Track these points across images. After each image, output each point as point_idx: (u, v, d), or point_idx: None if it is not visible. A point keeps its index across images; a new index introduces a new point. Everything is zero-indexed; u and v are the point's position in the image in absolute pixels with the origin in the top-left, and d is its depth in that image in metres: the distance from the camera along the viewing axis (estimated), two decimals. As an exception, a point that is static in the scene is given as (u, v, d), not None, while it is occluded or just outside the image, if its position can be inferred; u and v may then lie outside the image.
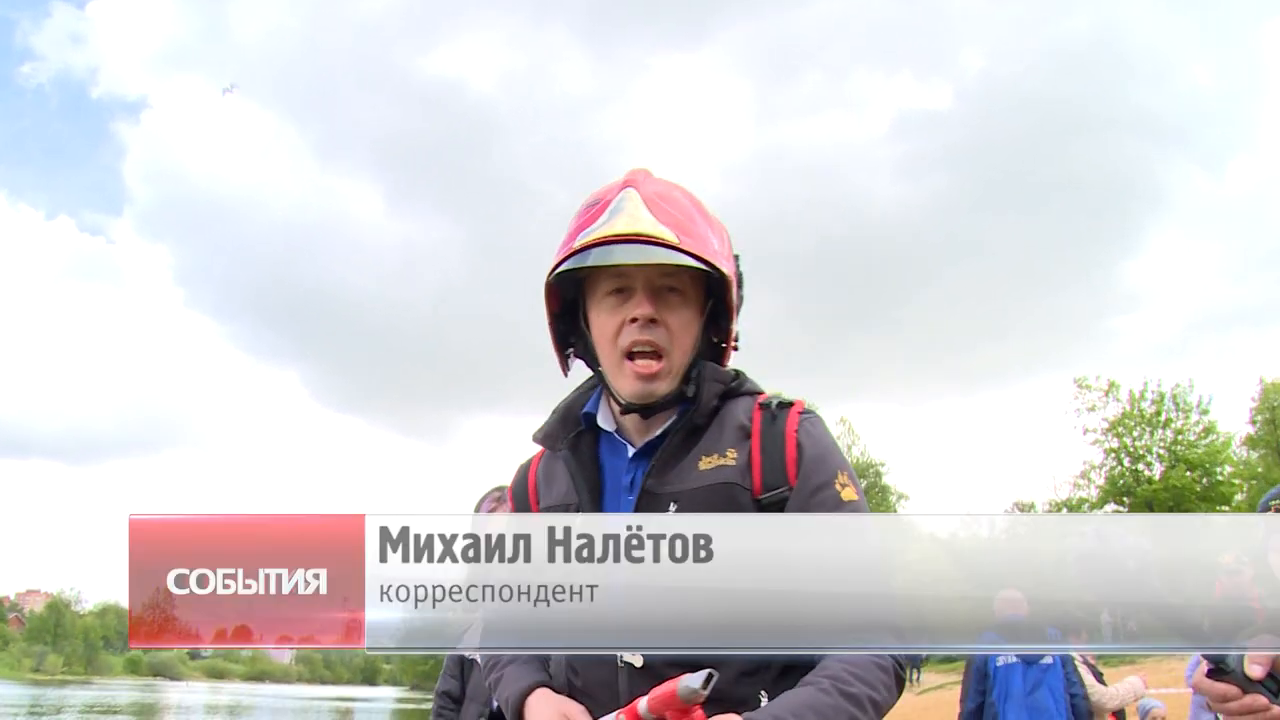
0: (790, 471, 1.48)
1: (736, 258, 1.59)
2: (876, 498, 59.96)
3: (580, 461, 1.57)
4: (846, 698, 1.32)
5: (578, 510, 1.52)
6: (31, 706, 35.71)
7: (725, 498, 1.46)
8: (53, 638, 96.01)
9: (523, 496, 1.67)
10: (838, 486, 1.48)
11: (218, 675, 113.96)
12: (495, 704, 1.53)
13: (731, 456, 1.50)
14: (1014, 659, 5.75)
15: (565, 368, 1.65)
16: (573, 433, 1.61)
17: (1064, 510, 43.98)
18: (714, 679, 1.24)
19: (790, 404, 1.54)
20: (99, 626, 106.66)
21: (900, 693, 1.40)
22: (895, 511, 59.95)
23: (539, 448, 1.67)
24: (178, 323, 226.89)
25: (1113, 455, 43.21)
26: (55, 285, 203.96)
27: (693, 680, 1.26)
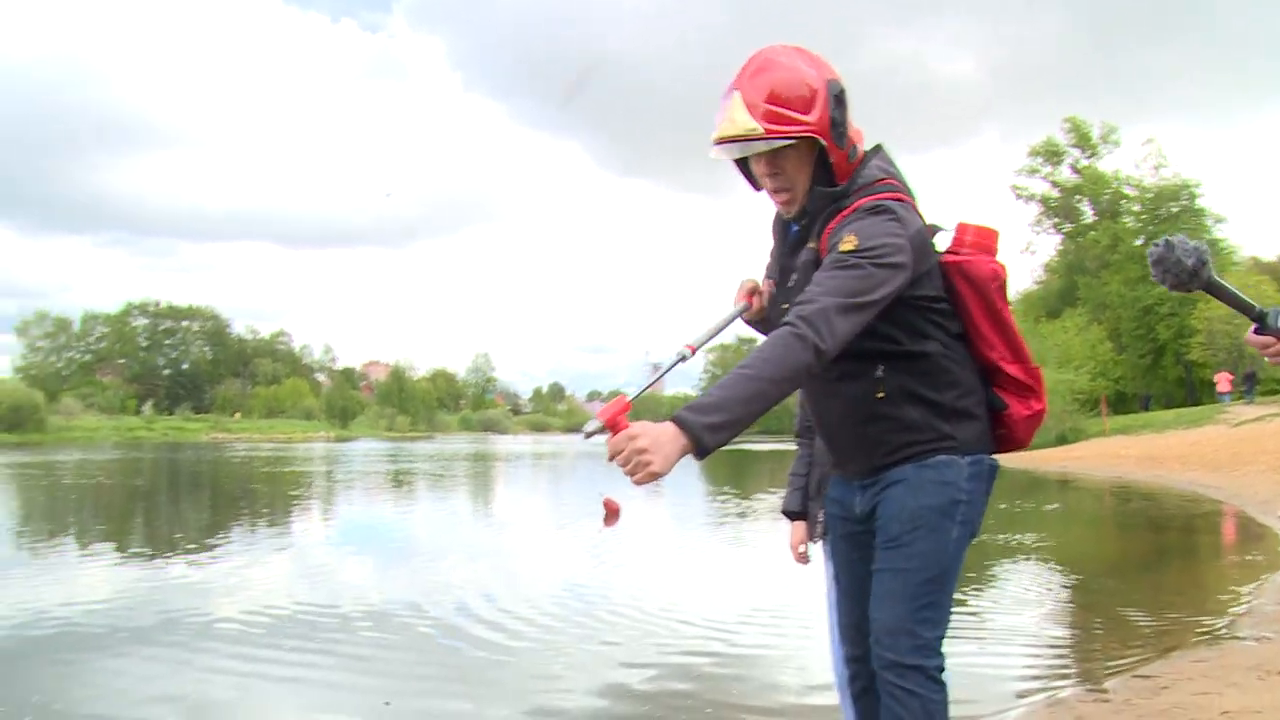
0: (824, 253, 2.21)
1: (836, 86, 2.22)
2: (1190, 222, 54.98)
3: (782, 231, 2.45)
4: (746, 365, 1.98)
5: (778, 257, 2.46)
6: (394, 455, 41.17)
7: (811, 272, 2.19)
8: (398, 400, 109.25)
9: (772, 232, 2.51)
10: (841, 246, 2.13)
11: (540, 429, 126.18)
12: None
13: (814, 245, 2.28)
14: None
15: (756, 188, 2.39)
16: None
17: None
18: (596, 429, 1.91)
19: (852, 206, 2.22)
20: (432, 390, 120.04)
21: (812, 355, 1.98)
22: (1209, 235, 55.14)
23: None
24: (461, 106, 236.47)
25: None
26: (353, 86, 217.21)
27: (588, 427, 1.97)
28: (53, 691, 5.07)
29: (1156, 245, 1.86)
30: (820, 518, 3.33)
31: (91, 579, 8.85)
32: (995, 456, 2.39)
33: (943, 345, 2.30)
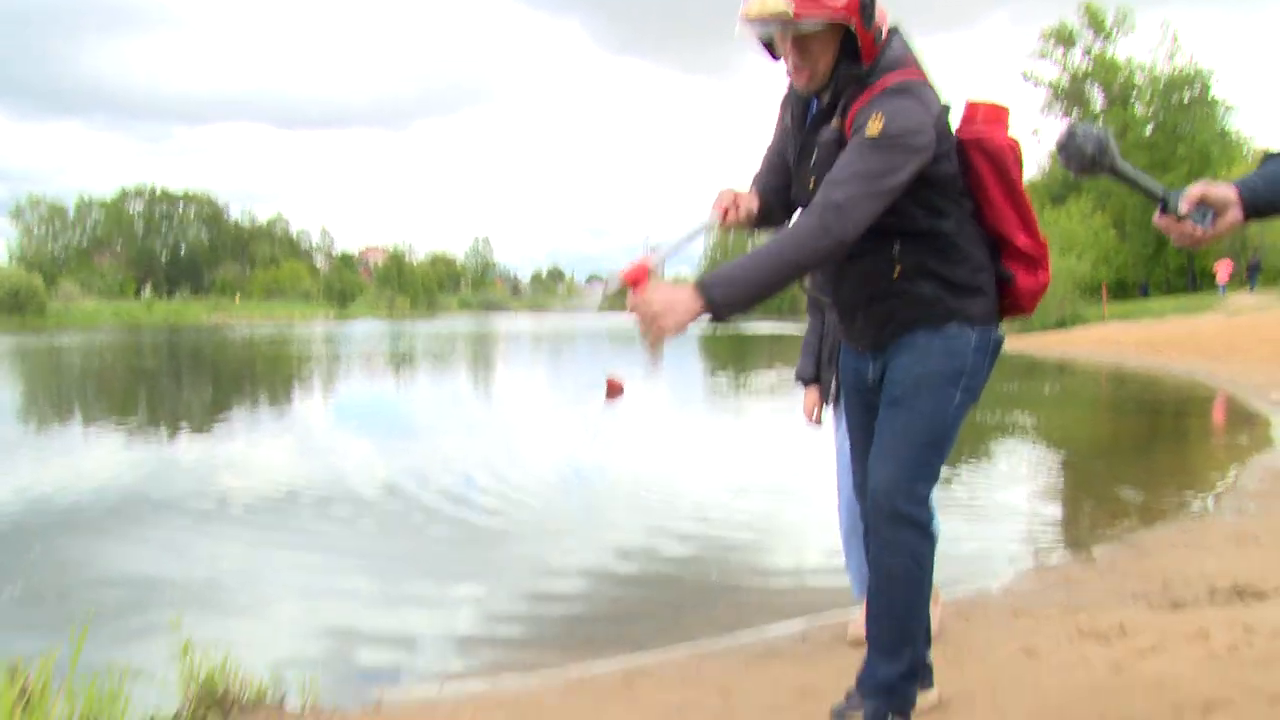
0: (849, 133, 2.24)
1: None
2: (1202, 112, 53.99)
3: (799, 107, 2.46)
4: (771, 242, 2.13)
5: (790, 130, 2.49)
6: (394, 335, 41.30)
7: (834, 150, 2.27)
8: (397, 284, 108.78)
9: (785, 102, 2.53)
10: (868, 130, 2.17)
11: (539, 308, 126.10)
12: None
13: (837, 124, 2.30)
14: None
15: (774, 59, 2.39)
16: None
17: None
18: (606, 282, 2.09)
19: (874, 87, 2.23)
20: (432, 273, 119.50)
21: (834, 243, 2.11)
22: (1221, 128, 54.20)
23: None
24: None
25: None
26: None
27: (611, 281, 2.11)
28: (67, 570, 5.25)
29: (1061, 132, 1.93)
30: (833, 384, 3.52)
31: (99, 458, 9.07)
32: (1001, 328, 2.49)
33: (957, 223, 2.38)
